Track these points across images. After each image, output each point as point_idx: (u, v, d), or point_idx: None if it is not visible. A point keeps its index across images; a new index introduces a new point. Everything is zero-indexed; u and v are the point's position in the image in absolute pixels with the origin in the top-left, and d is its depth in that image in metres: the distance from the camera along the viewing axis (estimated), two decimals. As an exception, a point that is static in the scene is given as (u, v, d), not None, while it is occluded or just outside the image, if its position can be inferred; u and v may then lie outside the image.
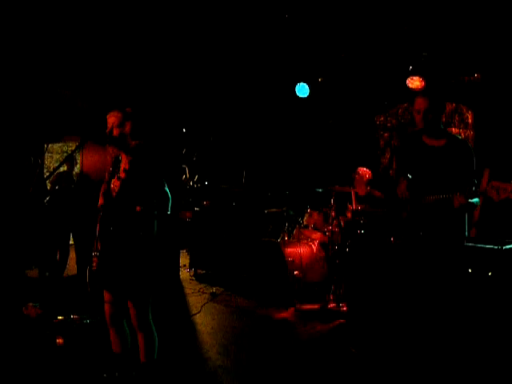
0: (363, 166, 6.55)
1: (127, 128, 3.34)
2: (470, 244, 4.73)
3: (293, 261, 6.11)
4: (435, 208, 3.52)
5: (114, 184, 3.31)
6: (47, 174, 9.14)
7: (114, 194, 3.27)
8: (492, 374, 3.78)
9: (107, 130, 3.33)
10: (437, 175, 3.58)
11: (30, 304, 5.41)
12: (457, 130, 6.95)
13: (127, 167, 3.26)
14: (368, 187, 6.44)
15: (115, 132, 3.31)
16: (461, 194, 3.34)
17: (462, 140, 3.86)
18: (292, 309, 5.82)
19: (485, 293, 4.52)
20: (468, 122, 6.97)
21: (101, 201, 3.36)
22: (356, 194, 6.29)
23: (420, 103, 3.62)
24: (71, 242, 6.76)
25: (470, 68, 6.28)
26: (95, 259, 3.26)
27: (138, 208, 3.20)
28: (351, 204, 6.13)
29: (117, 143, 3.32)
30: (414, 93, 6.14)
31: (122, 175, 3.26)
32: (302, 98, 7.58)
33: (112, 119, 3.34)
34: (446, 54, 6.18)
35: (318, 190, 6.73)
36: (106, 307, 3.41)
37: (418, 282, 3.61)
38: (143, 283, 3.28)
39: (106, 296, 3.39)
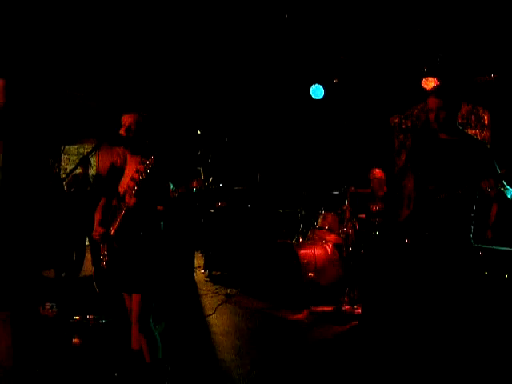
0: (377, 167, 6.54)
1: (142, 130, 3.37)
2: (486, 246, 4.68)
3: (307, 262, 6.10)
4: (444, 205, 3.47)
5: (128, 185, 3.29)
6: (63, 175, 9.24)
7: (130, 194, 3.23)
8: (506, 378, 3.75)
9: (121, 131, 3.35)
10: (449, 169, 3.52)
11: (47, 304, 5.49)
12: (473, 131, 6.89)
13: (142, 168, 3.19)
14: (385, 187, 6.44)
15: (130, 134, 3.33)
16: (486, 180, 3.14)
17: (479, 140, 3.79)
18: (306, 311, 5.81)
19: (501, 295, 4.47)
20: (484, 123, 6.91)
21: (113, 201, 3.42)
22: (373, 194, 6.28)
23: (432, 102, 3.60)
24: (87, 243, 6.83)
25: (485, 69, 6.23)
26: (105, 259, 3.34)
27: (160, 208, 3.29)
28: (370, 205, 6.09)
29: (132, 144, 3.36)
30: (428, 94, 6.10)
31: (137, 176, 3.20)
32: (316, 99, 7.57)
33: (127, 120, 3.36)
34: (461, 55, 6.14)
35: (334, 192, 6.72)
36: (127, 304, 3.47)
37: (432, 284, 3.58)
38: (147, 282, 3.30)
39: (125, 294, 3.47)
